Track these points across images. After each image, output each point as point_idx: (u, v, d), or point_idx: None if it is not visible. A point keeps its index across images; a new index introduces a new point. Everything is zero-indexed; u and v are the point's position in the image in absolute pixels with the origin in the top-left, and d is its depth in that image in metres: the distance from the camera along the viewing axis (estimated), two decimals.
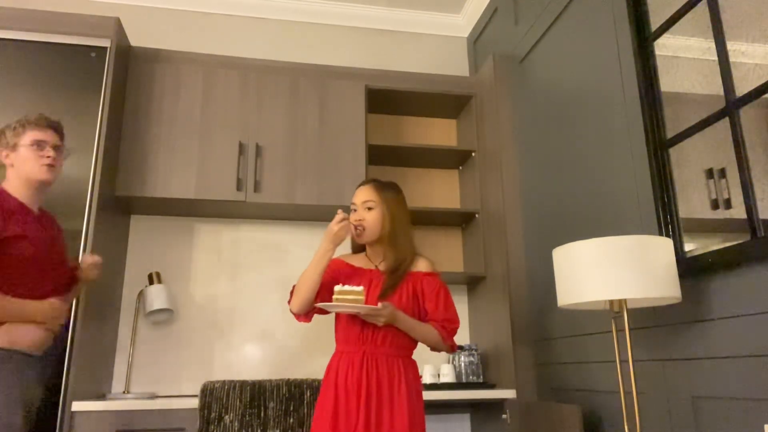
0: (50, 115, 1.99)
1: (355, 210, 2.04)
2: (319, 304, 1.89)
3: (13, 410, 1.70)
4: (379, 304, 1.84)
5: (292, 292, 2.02)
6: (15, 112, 2.45)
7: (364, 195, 2.04)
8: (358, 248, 2.15)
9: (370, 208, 2.02)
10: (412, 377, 1.94)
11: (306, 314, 2.01)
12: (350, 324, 1.94)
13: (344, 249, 2.12)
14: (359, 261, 2.08)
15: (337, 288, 1.83)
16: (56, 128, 1.96)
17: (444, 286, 2.04)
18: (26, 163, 1.88)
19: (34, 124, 1.91)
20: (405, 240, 2.04)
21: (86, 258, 2.10)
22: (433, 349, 2.03)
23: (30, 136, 1.89)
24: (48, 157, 1.89)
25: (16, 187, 1.89)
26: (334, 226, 1.94)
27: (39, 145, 1.89)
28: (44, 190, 1.94)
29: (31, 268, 1.82)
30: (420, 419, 1.91)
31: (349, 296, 1.82)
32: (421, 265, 2.05)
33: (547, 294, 2.50)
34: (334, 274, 2.01)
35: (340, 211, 1.96)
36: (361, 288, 1.84)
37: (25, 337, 1.78)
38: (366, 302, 1.87)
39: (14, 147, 1.89)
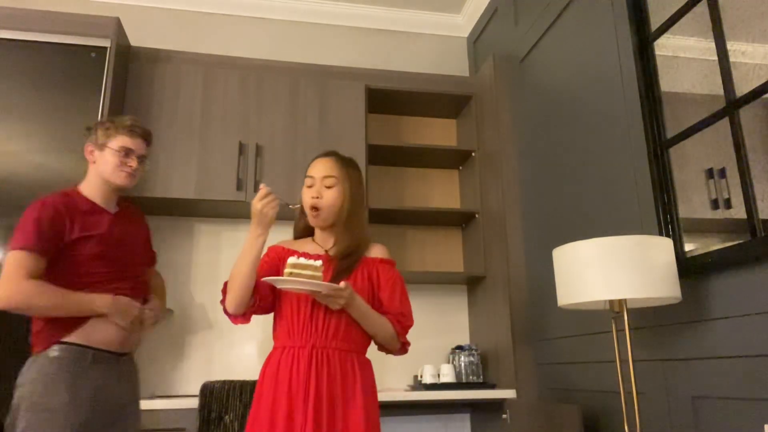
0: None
1: (311, 186, 1.77)
2: (269, 279, 1.60)
3: (78, 409, 1.71)
4: (342, 284, 1.58)
5: (224, 290, 1.70)
6: (15, 112, 2.45)
7: (325, 168, 1.77)
8: (302, 232, 1.87)
9: (330, 186, 1.75)
10: (368, 378, 1.69)
11: (243, 314, 1.70)
12: (295, 313, 1.67)
13: (282, 235, 1.98)
14: (305, 246, 1.81)
15: (291, 260, 1.54)
16: (146, 137, 1.99)
17: (401, 279, 1.81)
18: (108, 166, 1.91)
19: (128, 130, 1.94)
20: (361, 224, 1.82)
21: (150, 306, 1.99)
22: (383, 347, 1.79)
23: (120, 141, 1.92)
24: (130, 166, 1.93)
25: (93, 185, 1.93)
26: (257, 203, 1.63)
27: (126, 152, 1.92)
28: (120, 192, 1.98)
29: (97, 266, 1.84)
30: (376, 430, 1.65)
31: (305, 271, 1.54)
32: (377, 251, 1.82)
33: (547, 294, 2.50)
34: (276, 263, 1.75)
35: (262, 185, 1.67)
36: (319, 263, 1.55)
37: (103, 334, 1.81)
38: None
39: (102, 146, 1.92)
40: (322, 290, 1.57)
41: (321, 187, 1.76)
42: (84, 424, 1.72)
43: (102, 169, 1.92)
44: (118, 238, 1.91)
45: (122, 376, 1.87)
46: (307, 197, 1.77)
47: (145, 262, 2.06)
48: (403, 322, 1.75)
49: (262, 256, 1.70)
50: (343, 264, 1.73)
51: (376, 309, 1.74)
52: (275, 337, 1.74)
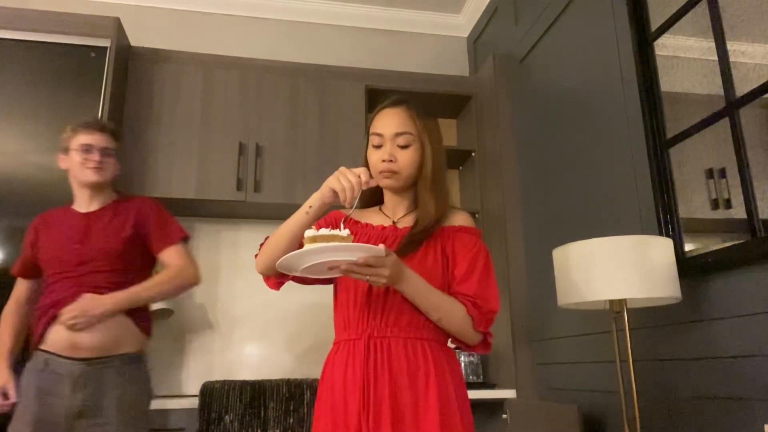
0: (78, 117, 2.08)
1: (379, 145, 1.41)
2: (280, 262, 1.22)
3: (26, 409, 1.80)
4: (380, 246, 1.20)
5: (261, 246, 1.44)
6: (15, 112, 2.45)
7: (398, 123, 1.40)
8: (369, 200, 1.52)
9: (406, 145, 1.39)
10: (447, 369, 1.31)
11: (274, 279, 1.42)
12: (351, 298, 1.37)
13: None
14: (369, 215, 1.49)
15: (308, 234, 1.18)
16: (104, 130, 2.01)
17: (485, 253, 1.40)
18: (75, 166, 1.97)
19: (84, 127, 1.98)
20: (445, 189, 1.45)
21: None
22: (457, 339, 1.37)
23: (78, 140, 1.97)
24: (93, 161, 1.95)
25: (74, 191, 2.02)
26: (351, 177, 1.28)
27: (87, 149, 1.95)
28: (101, 189, 2.01)
29: (49, 269, 1.93)
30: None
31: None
32: (457, 219, 1.43)
33: (547, 294, 2.50)
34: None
35: (364, 170, 1.31)
36: (346, 232, 1.19)
37: (53, 337, 1.85)
38: None
39: (67, 151, 1.99)
40: (358, 257, 1.17)
41: (393, 146, 1.39)
42: (34, 423, 1.78)
43: (73, 172, 1.98)
44: (71, 237, 1.93)
45: (78, 383, 1.81)
46: (376, 160, 1.40)
47: (107, 253, 1.92)
48: (481, 306, 1.32)
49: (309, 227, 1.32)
50: (415, 234, 1.36)
51: (450, 288, 1.37)
52: (335, 331, 1.43)
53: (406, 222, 1.43)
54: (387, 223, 1.45)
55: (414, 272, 1.29)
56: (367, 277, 1.21)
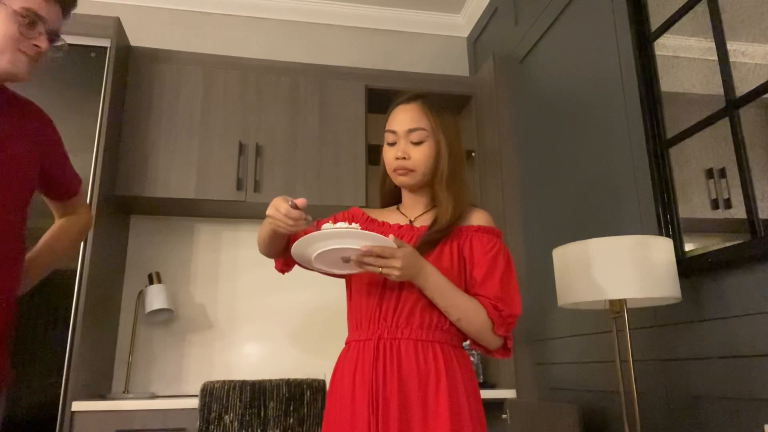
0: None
1: (393, 143, 1.39)
2: (293, 249, 1.23)
3: None
4: (390, 236, 1.20)
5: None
6: None
7: (411, 119, 1.38)
8: (388, 199, 1.50)
9: (419, 141, 1.36)
10: (459, 372, 1.28)
11: (283, 262, 1.43)
12: (364, 297, 1.35)
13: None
14: (387, 215, 1.47)
15: (325, 228, 1.20)
16: (65, 4, 1.27)
17: (506, 254, 1.37)
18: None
19: None
20: (463, 186, 1.40)
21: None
22: (476, 342, 1.34)
23: (24, 1, 1.18)
24: (35, 45, 1.21)
25: None
26: (272, 211, 1.21)
27: (30, 19, 1.19)
28: (6, 80, 1.30)
29: None
30: None
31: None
32: (476, 218, 1.39)
33: (547, 294, 2.50)
34: None
35: (302, 202, 1.21)
36: (355, 226, 1.19)
37: None
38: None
39: None
40: (362, 245, 1.17)
41: (406, 143, 1.37)
42: None
43: None
44: None
45: None
46: (390, 158, 1.39)
47: (21, 184, 1.27)
48: (502, 309, 1.29)
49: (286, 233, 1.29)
50: (430, 234, 1.33)
51: (469, 291, 1.33)
52: (348, 332, 1.42)
53: (424, 221, 1.41)
54: (404, 222, 1.43)
55: (434, 268, 1.27)
56: (380, 269, 1.20)
